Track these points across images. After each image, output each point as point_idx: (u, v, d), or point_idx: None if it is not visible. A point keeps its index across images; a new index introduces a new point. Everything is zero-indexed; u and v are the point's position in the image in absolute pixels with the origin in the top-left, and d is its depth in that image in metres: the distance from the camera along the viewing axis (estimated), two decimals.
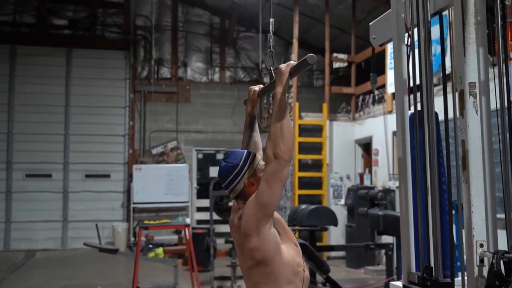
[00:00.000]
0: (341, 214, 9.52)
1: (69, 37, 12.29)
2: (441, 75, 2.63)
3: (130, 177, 12.02)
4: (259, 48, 12.57)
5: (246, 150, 2.36)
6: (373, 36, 3.35)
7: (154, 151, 12.48)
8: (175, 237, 10.84)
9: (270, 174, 2.09)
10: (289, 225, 7.37)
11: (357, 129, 10.37)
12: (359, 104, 10.46)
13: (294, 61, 2.17)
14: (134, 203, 11.88)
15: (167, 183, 12.06)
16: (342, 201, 9.94)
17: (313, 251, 4.18)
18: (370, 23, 3.36)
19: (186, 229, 5.88)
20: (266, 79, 12.95)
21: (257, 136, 2.62)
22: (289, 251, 2.19)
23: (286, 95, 2.19)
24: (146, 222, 6.00)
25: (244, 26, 12.95)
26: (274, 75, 2.37)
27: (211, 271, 7.34)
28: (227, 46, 12.98)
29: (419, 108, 2.68)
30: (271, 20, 2.65)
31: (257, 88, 2.54)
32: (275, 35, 12.34)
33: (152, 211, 11.94)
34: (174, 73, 12.72)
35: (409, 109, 2.83)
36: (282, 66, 2.17)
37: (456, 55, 2.27)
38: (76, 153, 12.00)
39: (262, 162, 2.32)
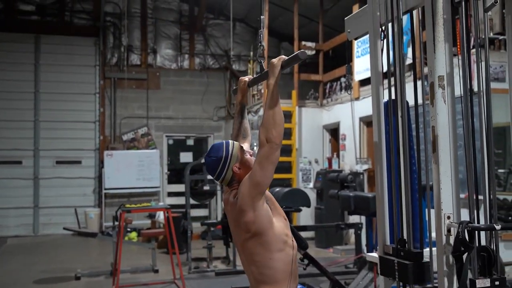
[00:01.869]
0: (310, 197, 9.85)
1: (37, 23, 12.17)
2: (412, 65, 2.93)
3: (101, 163, 12.09)
4: (228, 35, 12.73)
5: (224, 141, 2.60)
6: (348, 30, 3.65)
7: (125, 137, 12.55)
8: (148, 222, 11.01)
9: (263, 156, 2.31)
10: None
11: (325, 115, 10.71)
12: (327, 91, 10.79)
13: (285, 56, 2.39)
14: (105, 189, 11.97)
15: (138, 169, 12.18)
16: (311, 185, 10.28)
17: (292, 228, 4.46)
18: (346, 18, 3.64)
19: (167, 212, 6.08)
20: (235, 66, 13.16)
21: (247, 122, 2.91)
22: (279, 224, 2.45)
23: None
24: (127, 206, 6.18)
25: (214, 14, 13.08)
26: (264, 68, 2.66)
27: (187, 253, 7.58)
28: (196, 33, 13.09)
29: (393, 97, 2.98)
30: (261, 17, 2.86)
31: (247, 78, 2.80)
32: (243, 23, 12.64)
33: (124, 196, 12.04)
34: (144, 59, 12.77)
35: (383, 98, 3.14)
36: (274, 60, 2.38)
37: (427, 52, 2.55)
38: (47, 140, 11.97)
39: (240, 146, 2.58)
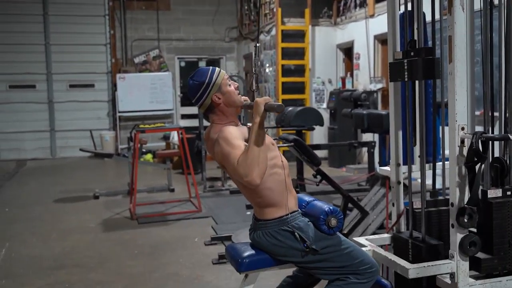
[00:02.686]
0: (324, 117, 9.87)
1: None
2: None
3: (114, 86, 12.09)
4: None
5: (211, 67, 2.54)
6: None
7: (136, 60, 12.46)
8: (162, 144, 11.14)
9: (234, 176, 2.34)
10: (276, 126, 7.64)
11: (339, 34, 10.46)
12: (341, 8, 10.48)
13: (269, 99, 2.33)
14: (119, 112, 12.03)
15: (151, 92, 12.17)
16: (324, 105, 10.24)
17: (305, 145, 4.47)
18: None
19: (181, 132, 6.12)
20: None
21: None
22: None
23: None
24: (142, 126, 6.21)
25: None
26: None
27: (202, 173, 7.71)
28: None
29: (409, 8, 2.88)
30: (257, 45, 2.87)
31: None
32: None
33: (138, 119, 12.09)
34: None
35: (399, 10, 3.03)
36: (260, 99, 2.32)
37: None
38: (59, 64, 11.92)
39: (226, 76, 2.53)
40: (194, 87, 2.49)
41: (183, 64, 13.01)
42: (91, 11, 12.01)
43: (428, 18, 3.00)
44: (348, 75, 10.09)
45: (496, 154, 2.75)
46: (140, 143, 6.64)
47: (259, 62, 2.80)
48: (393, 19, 2.97)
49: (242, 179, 2.23)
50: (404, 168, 2.97)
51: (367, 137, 7.93)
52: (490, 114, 2.77)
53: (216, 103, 2.49)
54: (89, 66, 12.08)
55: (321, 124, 7.00)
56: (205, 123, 8.79)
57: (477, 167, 2.38)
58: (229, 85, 2.53)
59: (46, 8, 11.73)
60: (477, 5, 2.73)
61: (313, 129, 6.98)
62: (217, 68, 2.55)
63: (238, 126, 2.53)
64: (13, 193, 7.91)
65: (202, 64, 12.99)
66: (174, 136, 10.26)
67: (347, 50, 10.38)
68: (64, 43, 11.85)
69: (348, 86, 9.87)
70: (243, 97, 2.57)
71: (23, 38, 11.62)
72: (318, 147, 7.10)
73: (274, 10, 10.22)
